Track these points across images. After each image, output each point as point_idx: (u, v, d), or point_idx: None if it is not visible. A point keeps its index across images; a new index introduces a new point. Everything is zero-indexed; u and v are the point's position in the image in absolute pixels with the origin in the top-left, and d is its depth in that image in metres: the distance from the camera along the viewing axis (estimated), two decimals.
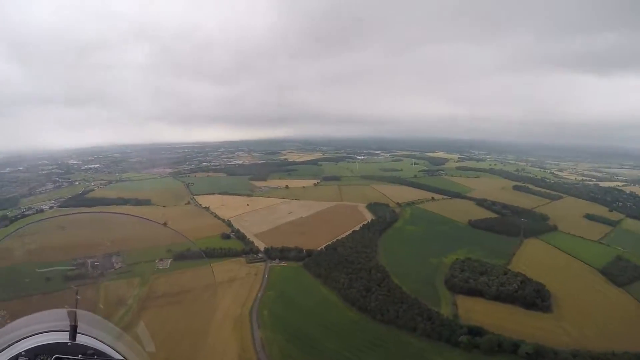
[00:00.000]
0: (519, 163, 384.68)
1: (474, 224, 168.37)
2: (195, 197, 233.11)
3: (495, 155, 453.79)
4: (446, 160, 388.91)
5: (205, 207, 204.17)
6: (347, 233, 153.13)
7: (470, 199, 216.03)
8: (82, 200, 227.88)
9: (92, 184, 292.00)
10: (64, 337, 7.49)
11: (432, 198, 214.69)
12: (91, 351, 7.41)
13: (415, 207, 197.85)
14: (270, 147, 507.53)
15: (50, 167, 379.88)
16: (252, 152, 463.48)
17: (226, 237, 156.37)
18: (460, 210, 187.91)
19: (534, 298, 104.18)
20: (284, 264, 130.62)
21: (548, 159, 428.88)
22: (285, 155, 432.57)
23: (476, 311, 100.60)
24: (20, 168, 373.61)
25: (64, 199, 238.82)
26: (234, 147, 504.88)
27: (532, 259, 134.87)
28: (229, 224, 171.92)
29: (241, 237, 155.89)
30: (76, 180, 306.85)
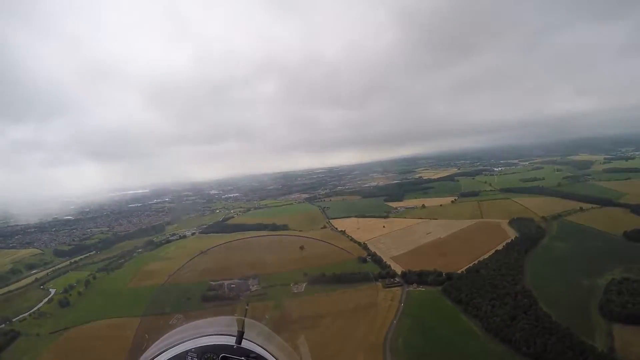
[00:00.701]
0: None
1: (631, 236, 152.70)
2: (331, 220, 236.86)
3: None
4: (591, 162, 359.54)
5: (341, 231, 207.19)
6: (490, 253, 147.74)
7: (624, 205, 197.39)
8: (222, 227, 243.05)
9: (232, 211, 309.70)
10: (231, 341, 8.35)
11: (580, 208, 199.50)
12: (254, 355, 8.16)
13: (562, 219, 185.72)
14: (404, 166, 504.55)
15: (194, 197, 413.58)
16: (386, 172, 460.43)
17: (363, 260, 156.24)
18: (613, 221, 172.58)
19: None
20: (421, 288, 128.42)
21: None
22: (419, 173, 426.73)
23: (636, 344, 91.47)
24: (167, 199, 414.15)
25: (205, 226, 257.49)
26: (367, 169, 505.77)
27: None
28: (365, 247, 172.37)
29: (378, 260, 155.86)
30: (217, 209, 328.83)
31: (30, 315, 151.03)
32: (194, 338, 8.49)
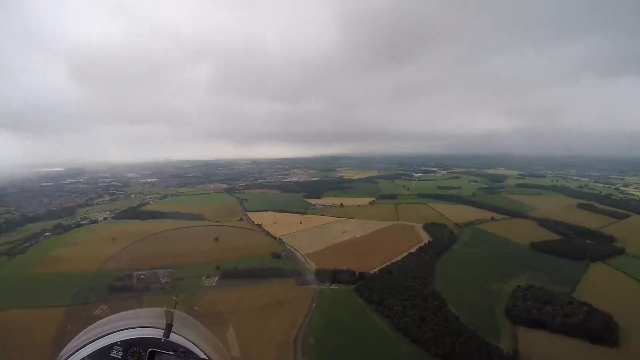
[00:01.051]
0: (582, 178, 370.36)
1: (537, 247, 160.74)
2: (248, 213, 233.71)
3: (556, 170, 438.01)
4: (505, 177, 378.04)
5: (258, 224, 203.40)
6: (403, 255, 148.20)
7: (532, 218, 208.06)
8: (136, 213, 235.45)
9: (148, 197, 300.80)
10: (158, 334, 7.96)
11: (492, 218, 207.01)
12: (182, 349, 7.91)
13: (474, 227, 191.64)
14: (327, 165, 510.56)
15: (110, 179, 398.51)
16: (307, 169, 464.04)
17: (277, 256, 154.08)
18: (521, 231, 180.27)
19: (601, 331, 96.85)
20: (335, 287, 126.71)
21: (612, 173, 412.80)
22: (341, 172, 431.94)
23: (538, 345, 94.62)
24: (81, 180, 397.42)
25: (118, 211, 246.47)
26: (290, 164, 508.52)
27: (599, 286, 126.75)
28: (280, 242, 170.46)
29: (292, 257, 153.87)
30: (133, 194, 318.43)
31: None
32: (120, 330, 8.02)
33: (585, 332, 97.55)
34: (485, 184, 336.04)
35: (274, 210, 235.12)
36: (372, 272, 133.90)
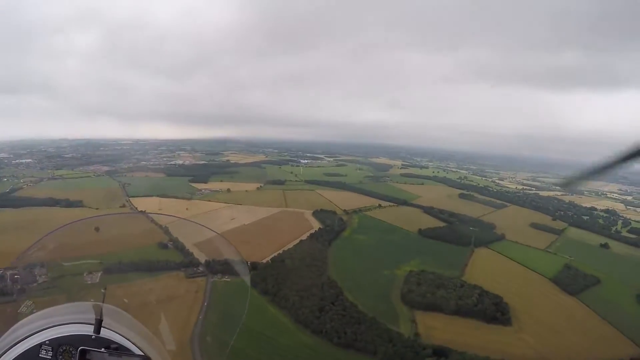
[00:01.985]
0: (461, 171, 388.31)
1: (424, 233, 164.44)
2: (131, 199, 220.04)
3: (437, 162, 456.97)
4: (390, 166, 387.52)
5: (142, 211, 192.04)
6: (295, 243, 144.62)
7: (418, 206, 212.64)
8: (7, 200, 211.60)
9: (22, 180, 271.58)
10: (88, 330, 7.42)
11: (379, 205, 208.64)
12: (115, 345, 7.40)
13: (363, 214, 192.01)
14: (213, 148, 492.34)
15: None
16: (193, 152, 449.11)
17: (163, 246, 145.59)
18: (408, 219, 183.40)
19: (494, 312, 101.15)
20: (227, 278, 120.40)
21: (487, 168, 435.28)
22: (227, 156, 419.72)
23: (437, 328, 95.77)
24: None
25: None
26: (175, 146, 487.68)
27: (485, 269, 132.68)
28: (166, 230, 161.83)
29: (180, 247, 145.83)
30: (4, 177, 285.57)
31: None
32: (47, 328, 7.41)
33: (479, 313, 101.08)
34: (371, 173, 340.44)
35: (158, 196, 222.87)
36: (264, 261, 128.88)
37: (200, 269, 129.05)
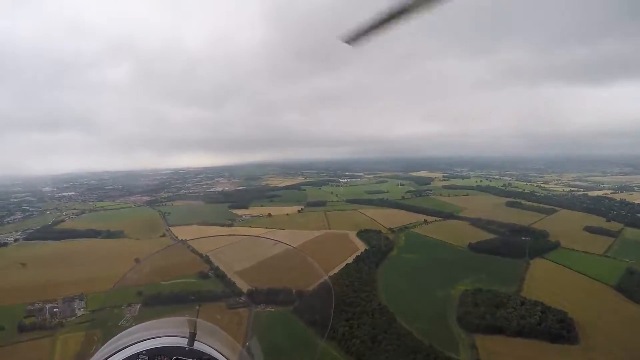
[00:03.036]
0: (504, 178, 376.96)
1: (475, 247, 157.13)
2: (171, 228, 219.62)
3: (478, 171, 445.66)
4: (431, 179, 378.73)
5: (182, 240, 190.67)
6: (341, 267, 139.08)
7: (464, 219, 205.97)
8: (50, 232, 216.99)
9: (64, 213, 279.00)
10: (182, 342, 7.91)
11: (425, 221, 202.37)
12: (206, 357, 7.80)
13: (409, 231, 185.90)
14: (251, 173, 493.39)
15: (24, 194, 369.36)
16: (232, 178, 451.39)
17: (204, 276, 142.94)
18: (456, 233, 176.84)
19: (559, 329, 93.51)
20: (271, 308, 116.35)
21: (530, 172, 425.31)
22: (266, 180, 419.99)
23: (500, 353, 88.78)
24: None
25: (31, 230, 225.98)
26: (214, 173, 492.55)
27: (544, 282, 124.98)
28: (207, 259, 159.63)
29: (221, 275, 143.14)
30: (48, 210, 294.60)
31: None
32: (145, 340, 7.97)
33: (543, 332, 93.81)
34: (412, 187, 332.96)
35: (198, 224, 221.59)
36: (310, 289, 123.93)
37: (243, 298, 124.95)
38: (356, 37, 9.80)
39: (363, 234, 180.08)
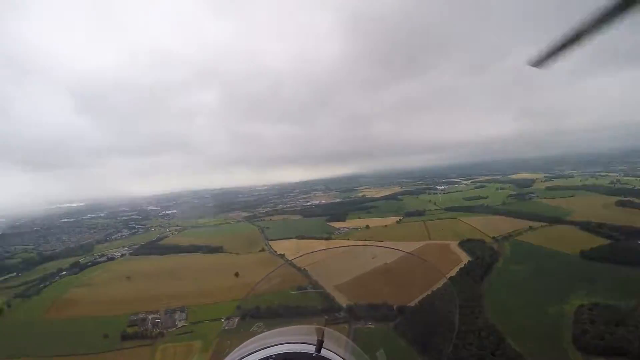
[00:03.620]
0: (610, 174, 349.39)
1: (587, 255, 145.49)
2: (270, 242, 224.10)
3: (581, 169, 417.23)
4: (532, 181, 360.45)
5: (280, 254, 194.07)
6: (444, 281, 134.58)
7: (572, 223, 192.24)
8: (154, 248, 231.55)
9: (167, 230, 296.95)
10: (310, 349, 8.00)
11: (530, 227, 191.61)
12: None
13: (514, 240, 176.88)
14: (346, 185, 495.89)
15: (130, 213, 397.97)
16: (327, 190, 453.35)
17: (302, 289, 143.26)
18: (565, 239, 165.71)
19: None
20: (371, 325, 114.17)
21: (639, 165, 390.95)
22: (362, 191, 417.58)
23: None
24: (101, 215, 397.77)
25: (137, 246, 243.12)
26: (309, 187, 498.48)
27: None
28: (305, 274, 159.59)
29: (319, 290, 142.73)
30: (152, 227, 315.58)
31: None
32: (274, 345, 8.18)
33: None
34: (513, 191, 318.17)
35: (296, 238, 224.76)
36: (411, 304, 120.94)
37: (342, 314, 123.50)
38: (544, 59, 9.09)
39: (465, 244, 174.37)
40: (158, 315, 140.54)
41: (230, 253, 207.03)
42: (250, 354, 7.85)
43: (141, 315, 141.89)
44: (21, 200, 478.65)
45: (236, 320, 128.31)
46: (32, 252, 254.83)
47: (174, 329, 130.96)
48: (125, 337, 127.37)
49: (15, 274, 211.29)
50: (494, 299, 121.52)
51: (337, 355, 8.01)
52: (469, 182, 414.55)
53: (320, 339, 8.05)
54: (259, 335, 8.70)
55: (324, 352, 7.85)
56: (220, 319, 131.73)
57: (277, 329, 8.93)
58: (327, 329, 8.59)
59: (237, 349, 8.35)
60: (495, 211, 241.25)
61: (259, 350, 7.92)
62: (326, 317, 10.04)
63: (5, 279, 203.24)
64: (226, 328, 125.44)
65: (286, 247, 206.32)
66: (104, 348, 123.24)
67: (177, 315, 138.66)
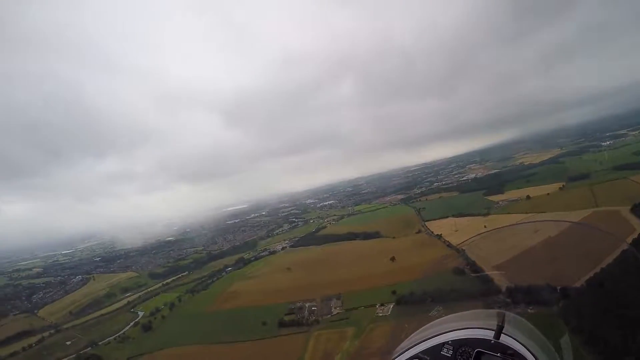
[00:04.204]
0: None
1: None
2: (426, 223, 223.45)
3: None
4: None
5: (437, 235, 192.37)
6: (614, 256, 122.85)
7: None
8: (313, 239, 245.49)
9: (325, 220, 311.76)
10: (488, 335, 7.94)
11: None
12: (511, 351, 7.76)
13: None
14: (502, 153, 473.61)
15: (290, 208, 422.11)
16: (483, 162, 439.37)
17: (459, 272, 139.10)
18: None
19: None
20: (531, 310, 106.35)
21: None
22: (520, 158, 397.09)
23: None
24: (264, 213, 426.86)
25: (297, 238, 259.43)
26: (464, 161, 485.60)
27: None
28: (462, 254, 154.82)
29: (477, 270, 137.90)
30: (311, 219, 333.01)
31: (114, 339, 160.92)
32: (452, 330, 8.28)
33: None
34: None
35: (453, 216, 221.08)
36: (577, 285, 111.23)
37: (501, 297, 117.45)
38: None
39: (639, 210, 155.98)
40: (314, 303, 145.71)
41: (387, 237, 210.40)
42: (428, 339, 8.13)
43: (299, 304, 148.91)
44: (190, 209, 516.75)
45: (390, 306, 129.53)
46: (201, 253, 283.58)
47: (329, 316, 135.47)
48: (282, 325, 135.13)
49: (186, 272, 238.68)
50: None
51: (518, 341, 7.87)
52: (637, 132, 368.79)
53: (499, 324, 8.00)
54: (437, 320, 8.89)
55: (503, 339, 7.81)
56: (374, 305, 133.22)
57: (454, 314, 9.08)
58: (508, 313, 8.62)
59: (414, 333, 8.70)
60: None
61: (436, 335, 8.14)
62: (508, 300, 11.31)
63: (178, 278, 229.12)
64: (379, 314, 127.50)
65: (443, 226, 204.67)
66: (262, 335, 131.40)
67: (332, 303, 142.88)
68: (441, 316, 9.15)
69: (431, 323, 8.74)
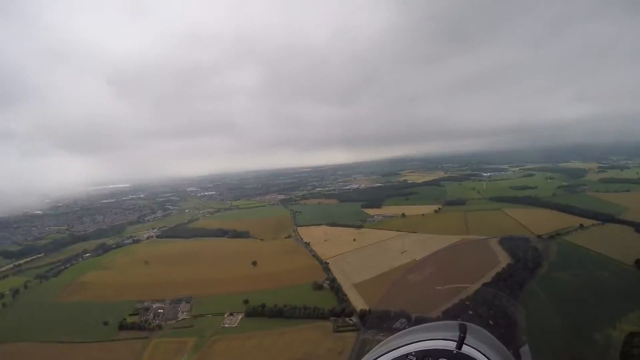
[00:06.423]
0: None
1: None
2: (298, 228, 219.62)
3: (637, 159, 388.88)
4: (585, 171, 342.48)
5: (306, 243, 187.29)
6: (476, 287, 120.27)
7: (628, 223, 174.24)
8: (181, 231, 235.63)
9: (201, 212, 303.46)
10: (451, 346, 7.88)
11: (581, 225, 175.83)
12: None
13: (561, 240, 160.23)
14: (390, 168, 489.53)
15: (169, 194, 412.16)
16: (370, 174, 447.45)
17: (318, 287, 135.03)
18: (619, 243, 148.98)
19: None
20: (382, 335, 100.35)
21: None
22: (405, 176, 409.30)
23: None
24: (141, 195, 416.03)
25: (165, 228, 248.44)
26: (351, 170, 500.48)
27: None
28: (326, 267, 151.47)
29: (336, 288, 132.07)
30: (187, 208, 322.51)
31: None
32: (415, 342, 8.16)
33: None
34: (564, 181, 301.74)
35: (327, 224, 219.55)
36: (434, 316, 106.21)
37: (353, 319, 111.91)
38: None
39: (506, 242, 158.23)
40: (162, 305, 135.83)
41: (255, 239, 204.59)
42: (391, 350, 7.82)
43: (147, 304, 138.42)
44: (70, 182, 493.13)
45: (239, 317, 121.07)
46: (64, 233, 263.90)
47: (174, 321, 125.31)
48: (123, 327, 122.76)
49: (43, 254, 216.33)
50: (531, 315, 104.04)
51: (480, 352, 7.63)
52: (517, 169, 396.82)
53: (462, 334, 7.70)
54: (401, 332, 8.57)
55: (465, 349, 7.57)
56: (223, 314, 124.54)
57: (418, 326, 8.71)
58: (470, 325, 8.14)
59: (379, 345, 8.39)
60: (543, 204, 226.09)
61: (399, 347, 7.85)
62: (471, 312, 11.34)
63: (32, 259, 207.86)
64: (226, 325, 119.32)
65: (314, 234, 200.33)
66: (100, 337, 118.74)
67: (181, 306, 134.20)
68: (404, 328, 8.79)
69: (395, 335, 8.48)
